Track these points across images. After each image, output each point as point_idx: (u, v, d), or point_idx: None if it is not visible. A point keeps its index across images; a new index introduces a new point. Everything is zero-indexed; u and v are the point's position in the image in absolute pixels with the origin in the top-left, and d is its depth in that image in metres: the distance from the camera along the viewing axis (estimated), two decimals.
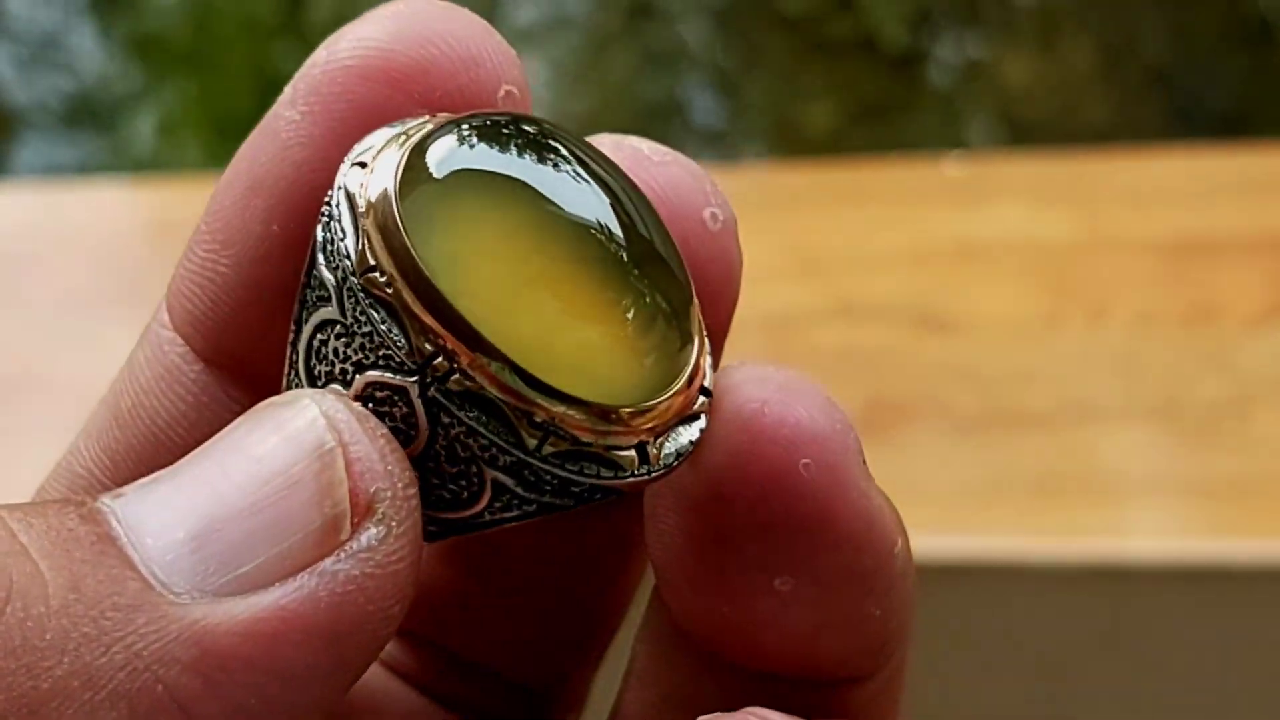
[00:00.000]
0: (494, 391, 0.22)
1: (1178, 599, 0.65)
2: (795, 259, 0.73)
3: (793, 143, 1.65)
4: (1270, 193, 0.76)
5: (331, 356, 0.23)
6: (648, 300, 0.23)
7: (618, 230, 0.24)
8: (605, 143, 0.26)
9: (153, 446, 0.27)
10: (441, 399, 0.22)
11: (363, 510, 0.22)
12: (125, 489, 0.22)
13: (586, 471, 0.23)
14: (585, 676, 0.31)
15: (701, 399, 0.24)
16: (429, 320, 0.22)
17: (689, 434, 0.24)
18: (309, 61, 0.25)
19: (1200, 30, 1.66)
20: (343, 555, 0.21)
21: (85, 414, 0.77)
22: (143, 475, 0.22)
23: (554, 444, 0.23)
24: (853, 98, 1.66)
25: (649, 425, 0.23)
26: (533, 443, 0.22)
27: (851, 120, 1.64)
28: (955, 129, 1.63)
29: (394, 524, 0.22)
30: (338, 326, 0.23)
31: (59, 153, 1.72)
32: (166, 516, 0.21)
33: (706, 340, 0.25)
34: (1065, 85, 1.64)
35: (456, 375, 0.22)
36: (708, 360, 0.24)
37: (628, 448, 0.23)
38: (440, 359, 0.22)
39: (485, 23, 0.25)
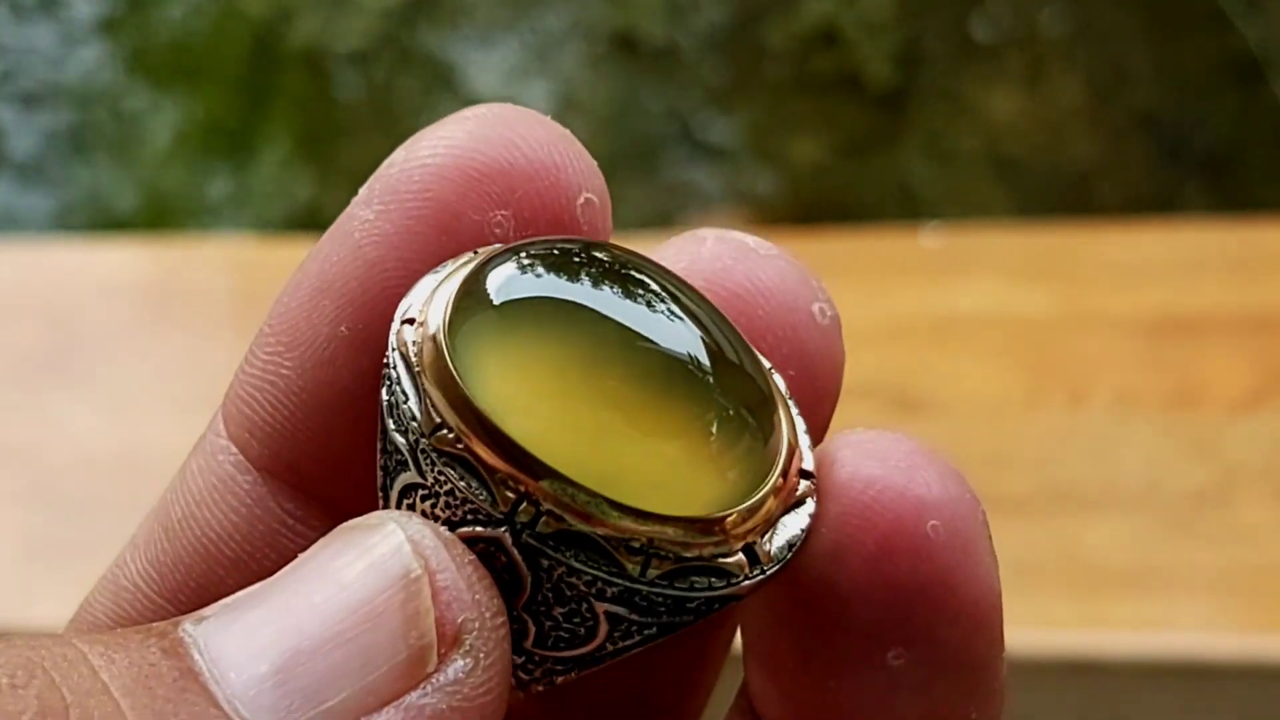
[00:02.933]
0: (583, 526, 0.22)
1: (1157, 695, 0.64)
2: None
3: (779, 174, 1.64)
4: (1256, 270, 0.74)
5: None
6: (731, 414, 0.23)
7: (695, 347, 0.23)
8: (709, 235, 0.26)
9: (203, 560, 0.26)
10: (535, 543, 0.22)
11: (450, 641, 0.21)
12: (208, 612, 0.21)
13: (697, 586, 0.22)
14: None
15: (804, 483, 0.24)
16: (503, 467, 0.22)
17: (797, 522, 0.23)
18: (386, 161, 0.25)
19: (1189, 67, 1.66)
20: (429, 689, 0.21)
21: (38, 482, 0.76)
22: (192, 590, 0.23)
23: (657, 565, 0.22)
24: (837, 133, 1.65)
25: (750, 526, 0.23)
26: (635, 569, 0.22)
27: (836, 155, 1.63)
28: (940, 164, 1.62)
29: (482, 655, 0.21)
30: (420, 490, 0.23)
31: (48, 168, 1.71)
32: (251, 648, 0.21)
33: (799, 423, 0.24)
34: (1052, 121, 1.63)
35: (544, 518, 0.22)
36: (804, 442, 0.24)
37: (734, 553, 0.23)
38: (524, 504, 0.22)
39: (567, 131, 0.25)
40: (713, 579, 0.22)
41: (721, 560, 0.22)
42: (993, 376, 0.72)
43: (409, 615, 0.21)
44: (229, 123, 1.73)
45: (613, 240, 0.25)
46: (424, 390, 0.22)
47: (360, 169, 1.45)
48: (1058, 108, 1.64)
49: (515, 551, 0.22)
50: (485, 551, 0.22)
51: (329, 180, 1.66)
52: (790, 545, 0.23)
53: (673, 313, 0.23)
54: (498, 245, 0.24)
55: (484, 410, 0.22)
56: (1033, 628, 0.65)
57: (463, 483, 0.22)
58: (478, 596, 0.22)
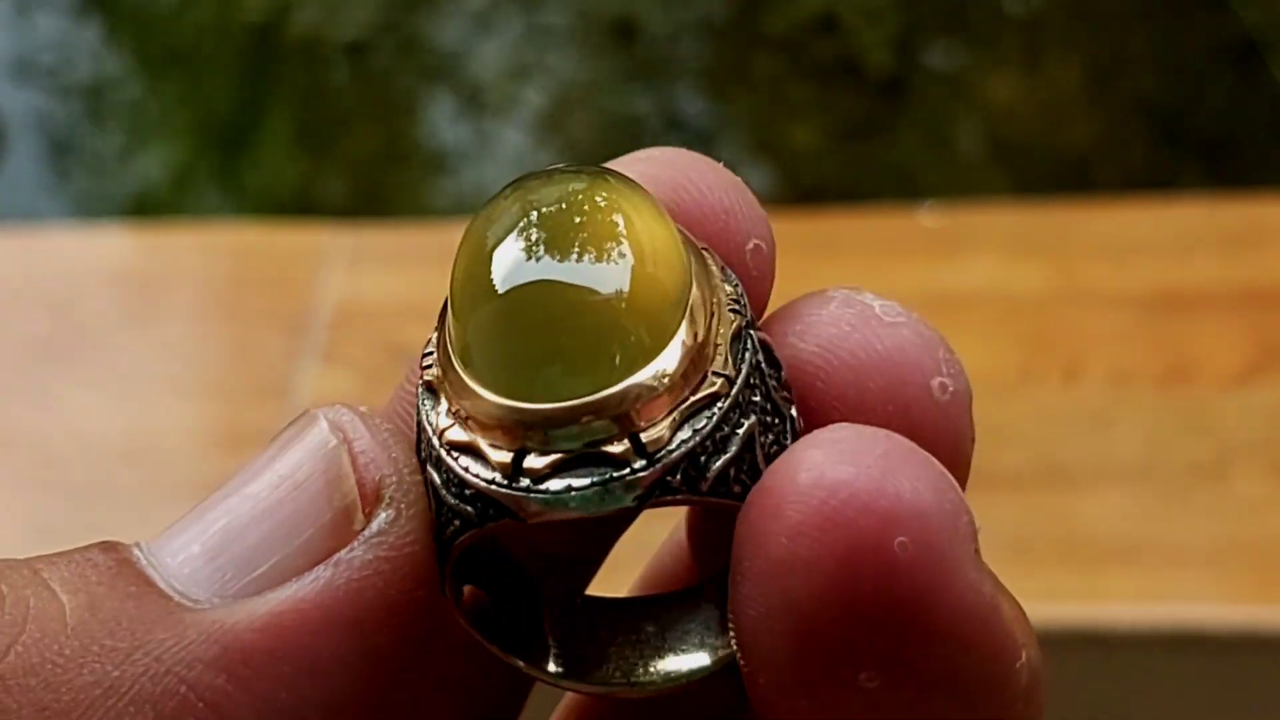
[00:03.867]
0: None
1: (1154, 666, 0.64)
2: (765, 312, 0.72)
3: (777, 160, 1.64)
4: (1250, 245, 0.75)
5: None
6: (633, 340, 0.22)
7: (623, 282, 0.23)
8: (836, 296, 0.25)
9: None
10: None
11: (372, 499, 0.22)
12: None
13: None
14: None
15: (716, 381, 0.23)
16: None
17: (701, 421, 0.22)
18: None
19: (1187, 50, 1.66)
20: (356, 543, 0.22)
21: (42, 467, 0.76)
22: None
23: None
24: (836, 120, 1.65)
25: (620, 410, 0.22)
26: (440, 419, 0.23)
27: (835, 141, 1.63)
28: (939, 149, 1.62)
29: (403, 506, 0.22)
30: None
31: (49, 161, 1.71)
32: (184, 538, 0.22)
33: (723, 343, 0.23)
34: (1050, 105, 1.63)
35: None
36: (724, 360, 0.23)
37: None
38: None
39: (738, 179, 0.25)
40: (482, 466, 0.23)
41: (492, 451, 0.23)
42: (989, 353, 0.72)
43: (330, 480, 0.22)
44: (228, 112, 1.73)
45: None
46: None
47: (359, 159, 1.46)
48: (1056, 92, 1.64)
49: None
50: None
51: (327, 170, 1.66)
52: (688, 440, 0.22)
53: (621, 254, 0.23)
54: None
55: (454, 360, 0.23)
56: (1030, 601, 0.65)
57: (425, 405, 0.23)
58: (393, 454, 0.23)
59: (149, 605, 0.21)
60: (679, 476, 0.22)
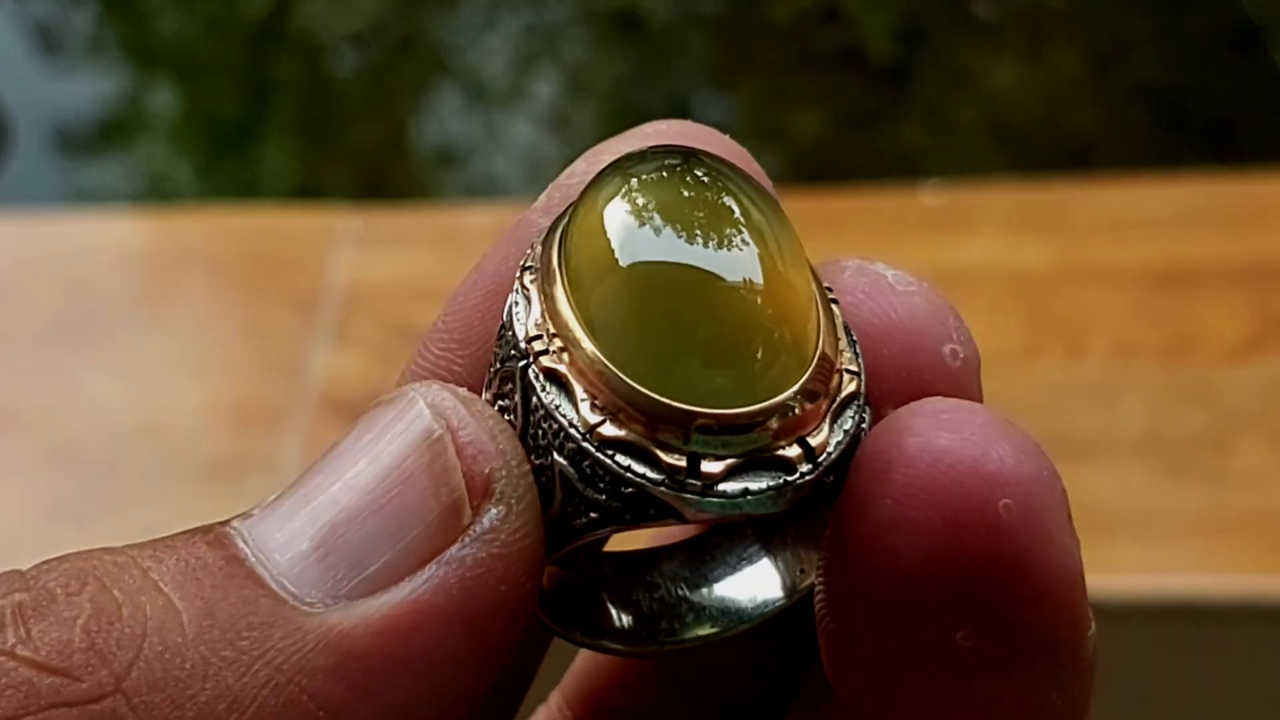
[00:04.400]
0: (566, 371, 0.23)
1: (1157, 636, 0.65)
2: None
3: (782, 148, 1.64)
4: (1250, 219, 0.75)
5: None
6: (775, 337, 0.23)
7: (753, 271, 0.23)
8: (849, 266, 0.25)
9: None
10: (533, 378, 0.23)
11: (480, 492, 0.22)
12: (253, 509, 0.22)
13: (632, 469, 0.22)
14: None
15: (851, 380, 0.23)
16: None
17: (848, 421, 0.23)
18: (566, 171, 0.26)
19: (1188, 36, 1.66)
20: (467, 540, 0.21)
21: (58, 447, 0.76)
22: None
23: (613, 431, 0.22)
24: (840, 107, 1.65)
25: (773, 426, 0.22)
26: (585, 424, 0.23)
27: (838, 129, 1.63)
28: (942, 135, 1.62)
29: (513, 501, 0.22)
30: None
31: (54, 160, 1.71)
32: (292, 529, 0.21)
33: (844, 340, 0.24)
34: (1053, 92, 1.63)
35: (544, 356, 0.23)
36: (849, 356, 0.24)
37: (673, 450, 0.22)
38: (538, 343, 0.23)
39: (743, 149, 0.26)
40: (648, 467, 0.22)
41: (662, 453, 0.22)
42: (993, 329, 0.72)
43: (437, 474, 0.22)
44: (230, 108, 1.74)
45: None
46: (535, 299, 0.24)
47: (361, 152, 1.46)
48: (1058, 78, 1.64)
49: (520, 380, 0.23)
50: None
51: (330, 164, 1.66)
52: (843, 443, 0.23)
53: (744, 242, 0.23)
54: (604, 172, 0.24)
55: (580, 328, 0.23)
56: None
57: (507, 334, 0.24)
58: (501, 446, 0.22)
59: (265, 611, 0.21)
60: (833, 476, 0.23)
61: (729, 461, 0.22)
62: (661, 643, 0.26)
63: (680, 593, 0.27)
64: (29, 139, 1.71)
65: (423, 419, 0.22)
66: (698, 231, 0.23)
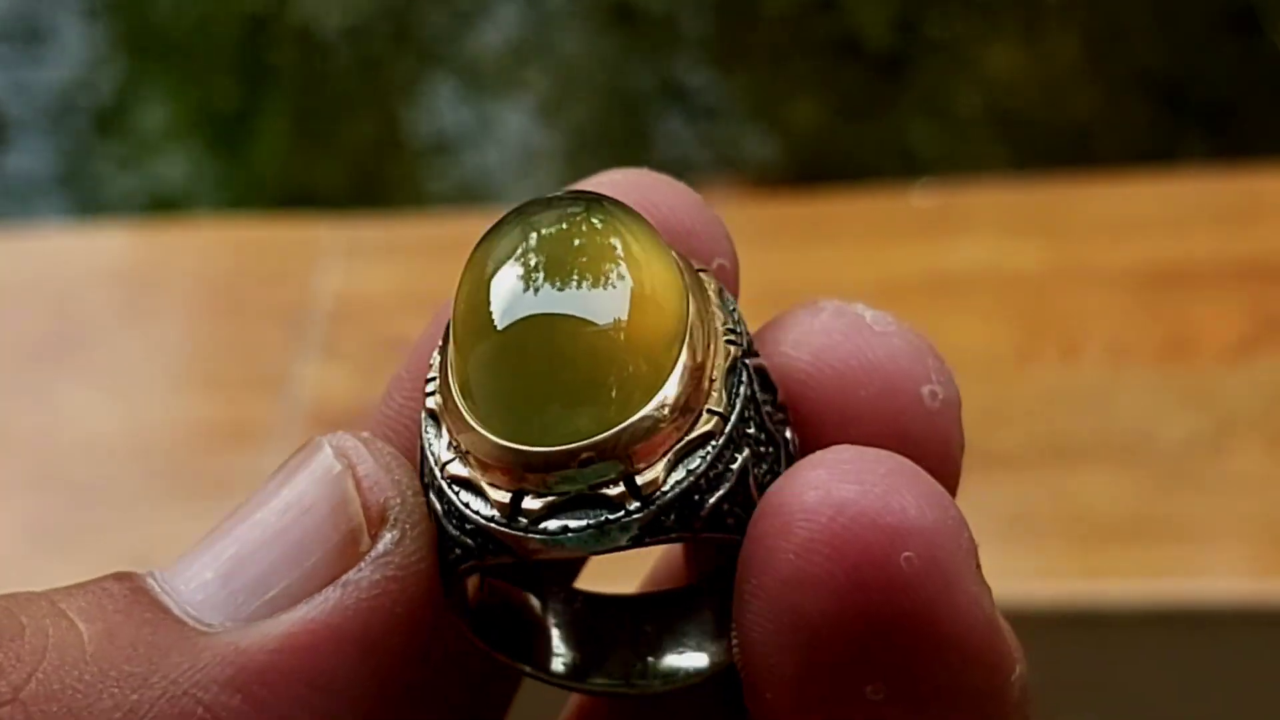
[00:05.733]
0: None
1: (1154, 643, 0.65)
2: (761, 294, 0.72)
3: (779, 138, 1.64)
4: (1245, 218, 0.74)
5: None
6: (630, 371, 0.23)
7: (620, 309, 0.23)
8: (827, 307, 0.25)
9: None
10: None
11: (377, 521, 0.23)
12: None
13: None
14: None
15: (710, 420, 0.23)
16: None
17: (695, 461, 0.23)
18: None
19: (1186, 19, 1.65)
20: (364, 564, 0.23)
21: (42, 466, 0.76)
22: None
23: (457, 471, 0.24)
24: (836, 96, 1.65)
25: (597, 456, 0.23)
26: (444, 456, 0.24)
27: (835, 117, 1.63)
28: (939, 123, 1.62)
29: (407, 527, 0.23)
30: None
31: (48, 154, 1.71)
32: (197, 565, 0.23)
33: (718, 356, 0.24)
34: (1051, 77, 1.63)
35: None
36: (718, 379, 0.24)
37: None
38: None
39: (699, 197, 0.26)
40: (482, 504, 0.23)
41: (491, 490, 0.23)
42: (986, 332, 0.72)
43: (335, 505, 0.23)
44: (225, 102, 1.74)
45: None
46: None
47: (358, 144, 1.45)
48: (1057, 64, 1.64)
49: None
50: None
51: (326, 159, 1.66)
52: (682, 481, 0.23)
53: (620, 276, 0.24)
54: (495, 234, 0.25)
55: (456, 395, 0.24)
56: (1029, 579, 0.65)
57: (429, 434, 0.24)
58: (396, 477, 0.23)
59: (164, 631, 0.22)
60: (672, 517, 0.23)
61: (549, 499, 0.23)
62: (588, 684, 0.27)
63: (633, 641, 0.27)
64: (20, 130, 1.71)
65: (325, 458, 0.23)
66: (575, 277, 0.23)
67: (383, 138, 1.69)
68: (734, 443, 0.23)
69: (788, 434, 0.24)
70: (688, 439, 0.23)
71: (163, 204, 1.63)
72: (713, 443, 0.23)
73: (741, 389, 0.24)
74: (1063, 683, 0.65)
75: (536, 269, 0.24)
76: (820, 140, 1.62)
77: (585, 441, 0.22)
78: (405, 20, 1.77)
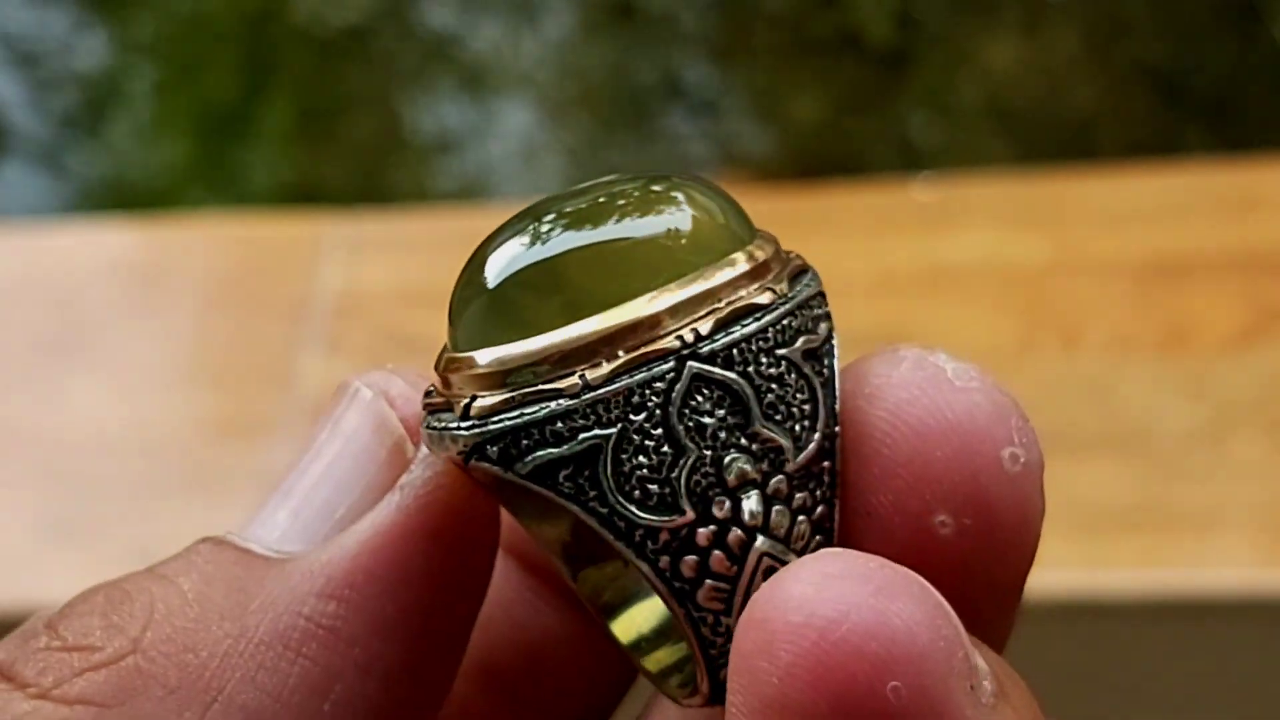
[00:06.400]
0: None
1: (1157, 632, 0.65)
2: None
3: (780, 132, 1.64)
4: (1244, 209, 0.75)
5: None
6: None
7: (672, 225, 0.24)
8: (908, 356, 0.24)
9: None
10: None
11: (417, 430, 0.25)
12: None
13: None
14: None
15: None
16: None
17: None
18: None
19: (1186, 12, 1.65)
20: (414, 468, 0.24)
21: (49, 462, 0.76)
22: None
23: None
24: (838, 91, 1.65)
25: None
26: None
27: (837, 112, 1.63)
28: (940, 118, 1.62)
29: None
30: None
31: (48, 151, 1.71)
32: (268, 512, 0.25)
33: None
34: (1051, 71, 1.63)
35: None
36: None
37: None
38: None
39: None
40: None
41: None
42: (986, 323, 0.72)
43: (377, 425, 0.25)
44: (228, 100, 1.73)
45: None
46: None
47: (361, 142, 1.45)
48: (1057, 57, 1.64)
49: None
50: None
51: (329, 157, 1.66)
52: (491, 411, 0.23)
53: (679, 208, 0.24)
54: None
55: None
56: (1032, 569, 0.65)
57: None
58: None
59: (254, 567, 0.24)
60: (496, 449, 0.23)
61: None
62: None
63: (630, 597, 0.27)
64: (22, 128, 1.71)
65: (357, 390, 0.26)
66: (613, 217, 0.24)
67: (385, 135, 1.69)
68: (592, 414, 0.23)
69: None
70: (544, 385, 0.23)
71: (163, 201, 1.63)
72: (559, 401, 0.23)
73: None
74: (1065, 673, 0.65)
75: (553, 228, 0.24)
76: (822, 135, 1.62)
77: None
78: (405, 17, 1.77)
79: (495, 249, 0.24)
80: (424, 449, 0.24)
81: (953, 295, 0.73)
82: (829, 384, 0.24)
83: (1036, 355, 0.71)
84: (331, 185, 1.57)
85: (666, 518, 0.23)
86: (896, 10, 1.68)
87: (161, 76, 1.79)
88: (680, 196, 0.24)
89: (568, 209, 0.24)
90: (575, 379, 0.22)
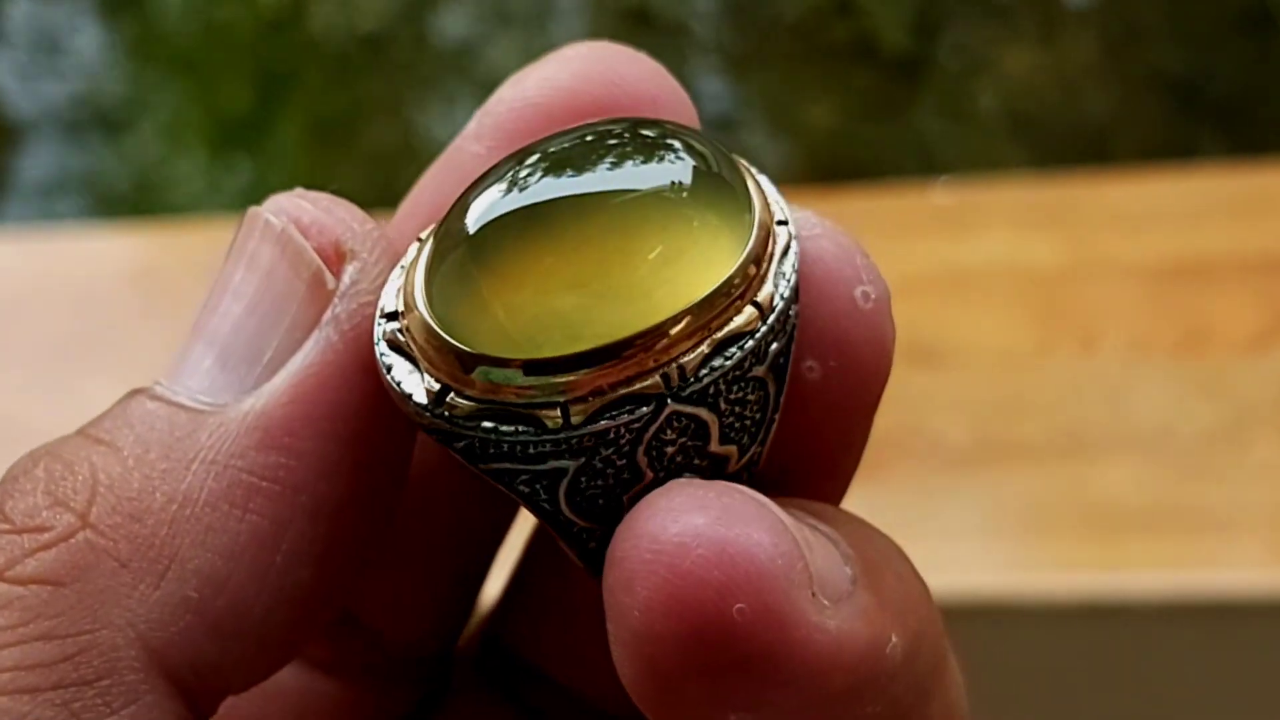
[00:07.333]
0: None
1: (1175, 634, 0.65)
2: None
3: (796, 140, 1.64)
4: (1261, 212, 0.75)
5: None
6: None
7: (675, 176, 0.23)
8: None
9: None
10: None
11: (335, 259, 0.24)
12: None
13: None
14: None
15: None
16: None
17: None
18: (494, 97, 0.27)
19: (1201, 19, 1.65)
20: (337, 302, 0.24)
21: None
22: None
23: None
24: (853, 99, 1.65)
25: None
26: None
27: (852, 120, 1.63)
28: (956, 125, 1.62)
29: (365, 254, 0.24)
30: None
31: (63, 160, 1.72)
32: (193, 359, 0.24)
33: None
34: (1067, 78, 1.63)
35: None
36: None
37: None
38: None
39: (662, 68, 0.27)
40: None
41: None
42: (1005, 326, 0.72)
43: (291, 257, 0.24)
44: (244, 109, 1.74)
45: None
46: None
47: (376, 153, 1.45)
48: (1073, 64, 1.64)
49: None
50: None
51: (341, 166, 1.66)
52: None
53: (679, 156, 0.24)
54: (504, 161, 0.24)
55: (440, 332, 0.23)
56: (1050, 571, 0.65)
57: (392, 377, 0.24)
58: (340, 215, 0.25)
59: (188, 422, 0.23)
60: (462, 445, 0.23)
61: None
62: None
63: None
64: (37, 133, 1.71)
65: (264, 220, 0.25)
66: (609, 160, 0.23)
67: (400, 145, 1.70)
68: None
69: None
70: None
71: (179, 211, 1.64)
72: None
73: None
74: (1083, 675, 0.65)
75: (538, 170, 0.24)
76: (837, 143, 1.62)
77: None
78: (420, 27, 1.78)
79: (479, 194, 0.24)
80: (345, 279, 0.24)
81: (970, 298, 0.73)
82: (783, 374, 0.24)
83: (1054, 358, 0.71)
84: (346, 194, 1.56)
85: (606, 525, 0.23)
86: (912, 17, 1.68)
87: (178, 86, 1.79)
88: (676, 144, 0.24)
89: (554, 150, 0.24)
90: (557, 414, 0.22)
